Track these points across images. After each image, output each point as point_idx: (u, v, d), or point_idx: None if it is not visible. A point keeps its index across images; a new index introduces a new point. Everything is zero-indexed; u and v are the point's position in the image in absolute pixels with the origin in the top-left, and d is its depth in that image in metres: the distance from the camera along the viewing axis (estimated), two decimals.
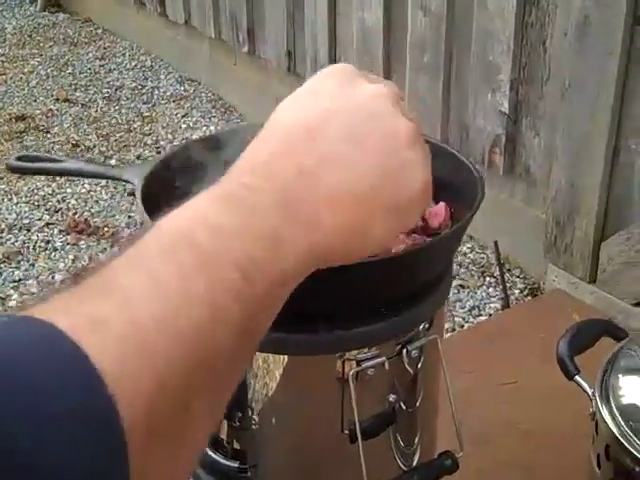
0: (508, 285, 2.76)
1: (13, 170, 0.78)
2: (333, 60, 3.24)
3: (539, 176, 2.66)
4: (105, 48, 4.49)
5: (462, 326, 2.57)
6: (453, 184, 0.84)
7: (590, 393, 0.88)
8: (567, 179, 2.48)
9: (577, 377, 0.92)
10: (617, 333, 0.96)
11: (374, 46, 3.02)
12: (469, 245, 2.93)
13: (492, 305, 2.71)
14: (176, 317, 0.42)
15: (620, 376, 0.87)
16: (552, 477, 1.05)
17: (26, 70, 4.30)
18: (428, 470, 0.79)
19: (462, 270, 2.83)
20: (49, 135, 3.66)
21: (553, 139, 2.52)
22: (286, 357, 0.77)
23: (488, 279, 2.81)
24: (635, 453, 0.80)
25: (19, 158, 0.81)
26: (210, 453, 0.84)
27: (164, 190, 0.78)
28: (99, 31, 4.69)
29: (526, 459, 1.07)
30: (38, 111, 3.87)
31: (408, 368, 0.79)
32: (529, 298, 2.72)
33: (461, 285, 2.77)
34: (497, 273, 2.77)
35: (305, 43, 3.30)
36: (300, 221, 0.50)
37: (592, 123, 2.35)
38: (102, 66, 4.29)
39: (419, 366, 0.81)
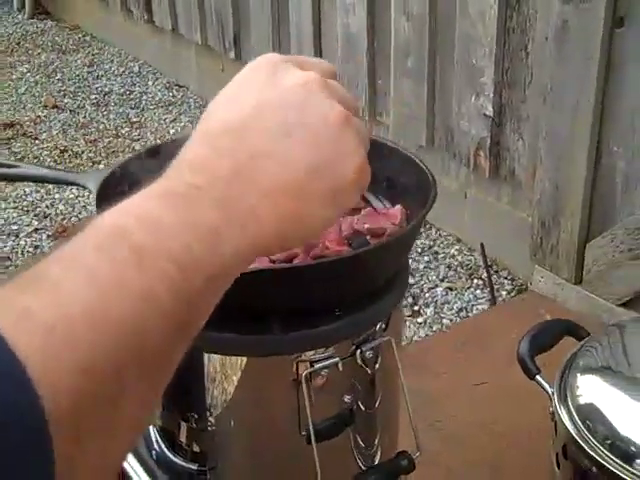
0: (496, 287, 2.77)
1: None
2: None
3: (524, 179, 2.66)
4: (93, 55, 4.49)
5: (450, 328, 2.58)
6: (408, 185, 0.84)
7: (550, 393, 0.89)
8: (551, 182, 2.48)
9: (538, 377, 0.92)
10: (579, 333, 0.96)
11: (358, 51, 3.03)
12: (457, 247, 2.93)
13: (480, 307, 2.71)
14: (107, 308, 0.43)
15: (579, 375, 0.88)
16: (518, 477, 1.05)
17: (14, 77, 4.30)
18: (384, 470, 0.80)
19: (450, 272, 2.84)
20: (37, 141, 3.66)
21: (537, 142, 2.52)
22: (242, 358, 0.77)
23: (476, 281, 2.81)
24: (592, 453, 0.81)
25: None
26: (169, 455, 0.85)
27: (119, 195, 0.79)
28: (87, 38, 4.70)
29: (495, 459, 1.08)
30: (27, 118, 3.87)
31: (363, 369, 0.79)
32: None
33: (449, 287, 2.78)
34: (484, 275, 2.78)
35: (290, 48, 3.31)
36: (237, 217, 0.51)
37: (574, 126, 2.36)
38: (90, 72, 4.29)
39: (375, 367, 0.81)
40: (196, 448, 0.83)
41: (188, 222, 0.49)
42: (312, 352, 0.75)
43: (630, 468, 0.79)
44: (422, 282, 2.78)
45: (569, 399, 0.86)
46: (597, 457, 0.81)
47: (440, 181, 3.06)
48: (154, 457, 0.86)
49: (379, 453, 0.87)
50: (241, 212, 0.52)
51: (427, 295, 2.72)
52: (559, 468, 0.88)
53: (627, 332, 0.92)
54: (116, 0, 4.26)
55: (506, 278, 2.78)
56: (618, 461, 0.80)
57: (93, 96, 4.05)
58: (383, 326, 0.80)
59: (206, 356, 0.78)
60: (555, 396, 0.87)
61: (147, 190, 0.51)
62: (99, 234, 0.47)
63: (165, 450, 0.85)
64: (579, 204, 2.41)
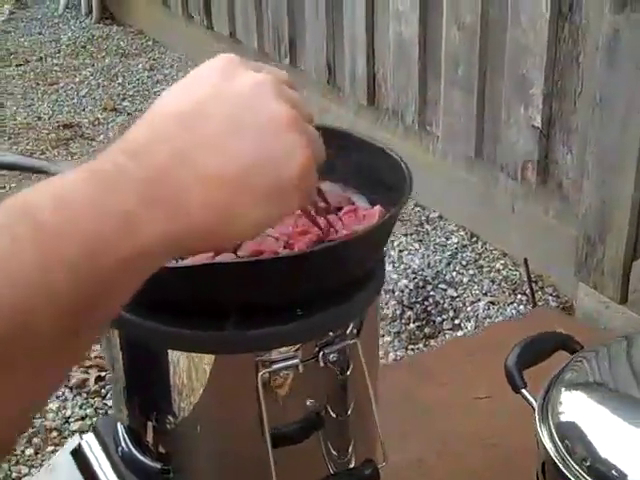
0: (540, 303, 2.70)
1: None
2: (371, 73, 3.23)
3: (572, 192, 2.60)
4: (154, 59, 4.55)
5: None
6: (384, 181, 0.82)
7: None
8: (598, 196, 2.42)
9: (523, 391, 0.89)
10: (573, 347, 0.92)
11: (410, 59, 3.00)
12: (502, 261, 2.88)
13: None
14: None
15: (563, 390, 0.84)
16: None
17: (77, 80, 4.38)
18: (347, 477, 0.77)
19: (494, 287, 2.78)
20: (94, 143, 3.73)
21: (586, 155, 2.46)
22: (205, 357, 0.75)
23: (519, 296, 2.75)
24: (567, 474, 0.77)
25: None
26: (135, 453, 0.83)
27: None
28: (150, 43, 4.76)
29: (487, 474, 1.04)
30: (86, 120, 3.94)
31: (329, 372, 0.77)
32: (575, 317, 2.65)
33: (492, 302, 2.72)
34: (528, 290, 2.71)
35: (344, 56, 3.30)
36: (163, 202, 0.50)
37: (622, 139, 2.29)
38: (150, 77, 4.35)
39: (345, 371, 0.79)
40: (161, 447, 0.82)
41: (104, 203, 0.48)
42: (272, 352, 0.73)
43: None
44: (465, 295, 2.72)
45: (550, 415, 0.82)
46: (573, 478, 0.76)
47: (488, 193, 3.02)
48: (120, 454, 0.85)
49: (353, 460, 0.84)
50: (169, 198, 0.51)
51: (469, 309, 2.67)
52: None
53: (618, 348, 0.88)
54: (178, 6, 4.31)
55: (551, 295, 2.71)
56: None
57: (151, 100, 4.09)
58: (354, 328, 0.78)
59: (170, 354, 0.76)
60: (536, 411, 0.83)
61: (78, 169, 0.50)
62: (9, 208, 0.46)
63: (132, 448, 0.84)
64: (626, 220, 2.33)
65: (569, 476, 0.77)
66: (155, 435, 0.82)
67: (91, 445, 0.86)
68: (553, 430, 0.80)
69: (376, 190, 0.84)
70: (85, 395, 2.34)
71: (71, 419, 2.26)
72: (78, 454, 0.85)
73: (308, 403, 0.77)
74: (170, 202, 0.51)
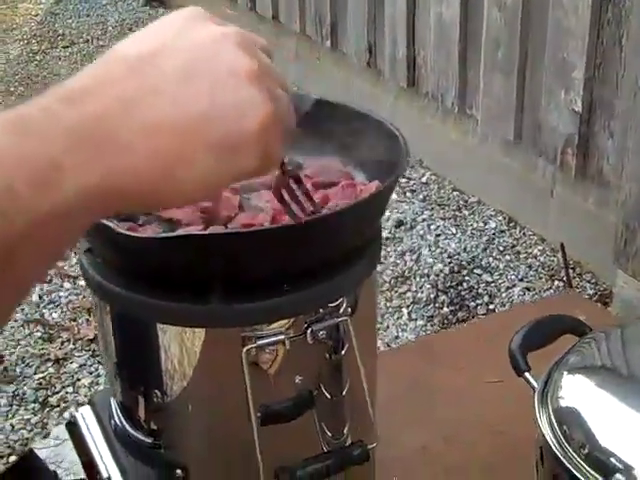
0: (577, 290, 2.65)
1: None
2: (412, 55, 3.19)
3: (612, 178, 2.54)
4: None
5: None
6: (383, 156, 0.80)
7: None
8: (638, 182, 2.36)
9: (527, 374, 0.86)
10: (582, 330, 0.89)
11: (451, 42, 2.96)
12: (540, 247, 2.83)
13: None
14: None
15: (565, 374, 0.81)
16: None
17: None
18: (334, 457, 0.76)
19: (530, 272, 2.74)
20: None
21: (627, 140, 2.40)
22: (193, 333, 0.74)
23: (556, 283, 2.70)
24: (564, 461, 0.74)
25: None
26: (127, 428, 0.83)
27: None
28: None
29: (492, 460, 1.02)
30: None
31: (318, 350, 0.75)
32: (599, 305, 2.60)
33: (527, 288, 2.68)
34: (565, 277, 2.67)
35: (385, 39, 3.27)
36: (97, 148, 0.46)
37: None
38: None
39: (338, 349, 0.77)
40: (151, 422, 0.81)
41: (21, 151, 0.43)
42: (259, 327, 0.72)
43: None
44: (500, 281, 2.69)
45: (550, 400, 0.79)
46: (570, 466, 0.74)
47: (527, 178, 2.98)
48: (113, 428, 0.84)
49: (349, 440, 0.82)
50: (105, 146, 0.46)
51: (504, 295, 2.63)
52: (537, 473, 0.81)
53: (628, 332, 0.84)
54: None
55: (589, 282, 2.66)
56: (593, 473, 0.73)
57: None
58: (347, 307, 0.76)
59: (158, 328, 0.75)
60: (537, 395, 0.80)
61: (5, 112, 0.45)
62: None
63: (124, 422, 0.83)
64: None
65: (566, 463, 0.74)
66: (145, 410, 0.81)
67: (86, 418, 0.85)
68: (552, 415, 0.78)
69: (375, 166, 0.82)
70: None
71: None
72: (73, 426, 0.85)
73: (297, 381, 0.76)
74: (105, 152, 0.46)
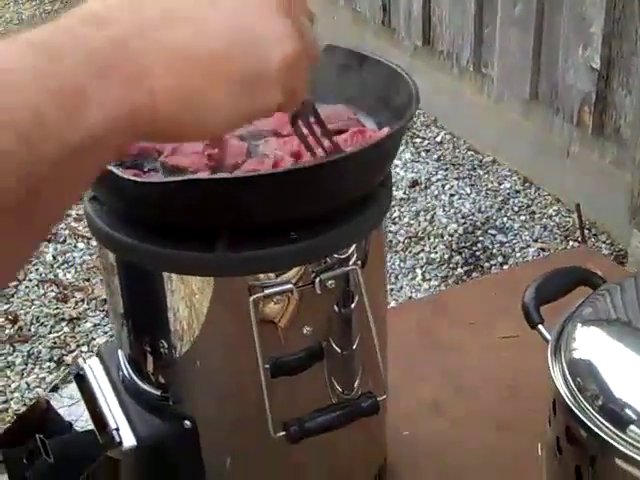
0: (592, 250, 2.63)
1: None
2: (427, 14, 3.15)
3: (630, 137, 2.51)
4: None
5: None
6: (394, 103, 0.78)
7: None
8: None
9: (540, 326, 0.84)
10: (597, 282, 0.87)
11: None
12: (555, 207, 2.80)
13: None
14: None
15: (579, 326, 0.79)
16: (522, 434, 0.98)
17: None
18: (344, 408, 0.75)
19: (545, 233, 2.71)
20: None
21: None
22: (200, 282, 0.73)
23: (572, 243, 2.68)
24: (577, 413, 0.73)
25: None
26: (136, 380, 0.82)
27: None
28: None
29: (504, 414, 1.01)
30: None
31: (326, 300, 0.74)
32: (612, 260, 2.58)
33: (542, 248, 2.66)
34: (580, 237, 2.64)
35: None
36: (122, 76, 0.44)
37: None
38: None
39: (345, 300, 0.76)
40: (159, 374, 0.80)
41: (45, 75, 0.41)
42: (265, 276, 0.71)
43: (622, 434, 0.70)
44: (515, 241, 2.66)
45: (563, 351, 0.78)
46: (583, 418, 0.72)
47: (543, 137, 2.93)
48: (121, 379, 0.84)
49: (359, 393, 0.81)
50: (130, 70, 0.44)
51: (518, 255, 2.61)
52: (550, 426, 0.80)
53: None
54: None
55: (604, 242, 2.63)
56: (608, 425, 0.71)
57: None
58: (356, 257, 0.74)
59: (164, 277, 0.74)
60: (550, 347, 0.79)
61: (18, 36, 0.43)
62: None
63: (132, 374, 0.83)
64: None
65: (579, 415, 0.73)
66: (153, 362, 0.80)
67: (94, 370, 0.85)
68: (565, 367, 0.76)
69: (386, 113, 0.80)
70: None
71: None
72: (81, 378, 0.85)
73: (306, 332, 0.74)
74: (129, 78, 0.44)
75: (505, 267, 2.57)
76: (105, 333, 2.36)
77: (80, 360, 0.87)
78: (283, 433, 0.73)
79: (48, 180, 0.41)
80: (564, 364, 0.77)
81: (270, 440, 0.74)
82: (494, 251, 2.63)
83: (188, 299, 0.74)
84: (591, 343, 0.79)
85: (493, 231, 2.71)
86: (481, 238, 2.68)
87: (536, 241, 2.67)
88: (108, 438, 0.78)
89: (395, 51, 3.32)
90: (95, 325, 2.39)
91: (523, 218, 2.77)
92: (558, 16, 2.58)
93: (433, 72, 3.18)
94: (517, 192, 2.88)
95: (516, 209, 2.81)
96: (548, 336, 0.83)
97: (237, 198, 0.66)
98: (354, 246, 0.74)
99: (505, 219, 2.76)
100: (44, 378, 2.20)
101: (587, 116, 2.58)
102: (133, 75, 0.44)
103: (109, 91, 0.43)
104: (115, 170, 0.68)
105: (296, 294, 0.71)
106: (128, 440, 0.77)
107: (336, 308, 0.76)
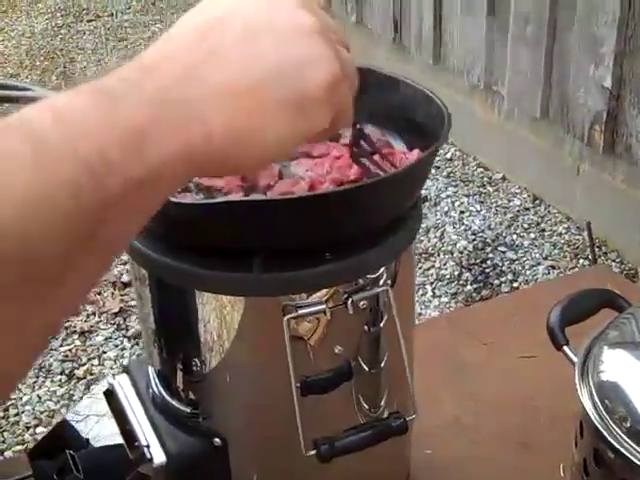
0: None
1: None
2: (438, 31, 3.17)
3: None
4: None
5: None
6: (425, 127, 0.79)
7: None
8: None
9: (565, 348, 0.85)
10: (620, 304, 0.88)
11: (478, 17, 2.93)
12: (565, 225, 2.81)
13: None
14: None
15: (606, 349, 0.80)
16: (543, 455, 0.98)
17: (146, 36, 4.40)
18: (373, 428, 0.75)
19: (555, 251, 2.72)
20: None
21: None
22: (234, 302, 0.74)
23: (582, 261, 2.69)
24: (605, 434, 0.73)
25: None
26: (165, 396, 0.83)
27: None
28: None
29: (524, 435, 1.02)
30: None
31: (358, 320, 0.75)
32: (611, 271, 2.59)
33: (552, 266, 2.67)
34: (591, 255, 2.65)
35: (411, 14, 3.24)
36: (176, 117, 0.47)
37: None
38: None
39: (376, 320, 0.76)
40: (189, 392, 0.81)
41: (110, 119, 0.44)
42: (299, 297, 0.71)
43: None
44: (525, 259, 2.67)
45: (590, 373, 0.78)
46: (611, 439, 0.73)
47: (553, 155, 2.94)
48: (151, 396, 0.84)
49: (385, 412, 0.82)
50: (183, 111, 0.47)
51: (528, 272, 2.62)
52: (576, 447, 0.81)
53: None
54: None
55: (614, 261, 2.64)
56: (635, 446, 0.72)
57: None
58: (387, 278, 0.75)
59: (197, 296, 0.75)
60: (577, 369, 0.80)
61: (82, 86, 0.46)
62: (6, 126, 0.43)
63: (162, 391, 0.83)
64: None
65: (607, 436, 0.74)
66: (184, 379, 0.81)
67: (123, 386, 0.85)
68: (593, 389, 0.77)
69: (416, 136, 0.81)
70: (142, 345, 2.37)
71: None
72: (110, 395, 0.85)
73: (337, 351, 0.75)
74: (183, 119, 0.47)
75: (515, 284, 2.57)
76: (116, 347, 2.37)
77: (109, 377, 0.88)
78: (314, 452, 0.74)
79: (111, 213, 0.44)
80: (592, 386, 0.77)
81: (299, 459, 0.74)
82: (504, 268, 2.64)
83: (222, 318, 0.75)
84: (618, 366, 0.79)
85: (503, 248, 2.72)
86: (491, 255, 2.69)
87: (546, 259, 2.68)
88: (139, 454, 0.78)
89: (405, 69, 3.34)
90: (106, 338, 2.40)
91: (533, 236, 2.78)
92: (569, 35, 2.60)
93: (443, 89, 3.19)
94: (527, 209, 2.89)
95: (526, 226, 2.82)
96: (573, 357, 0.83)
97: (274, 220, 0.67)
98: (385, 267, 0.75)
99: (515, 236, 2.77)
100: (55, 391, 2.21)
101: (598, 135, 2.59)
102: (186, 115, 0.47)
103: (166, 133, 0.46)
104: None
105: (328, 314, 0.72)
106: (158, 457, 0.78)
107: (366, 328, 0.77)
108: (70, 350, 2.35)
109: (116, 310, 2.49)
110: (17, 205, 0.41)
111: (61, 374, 2.27)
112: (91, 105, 0.44)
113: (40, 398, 2.19)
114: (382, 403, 0.82)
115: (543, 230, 2.80)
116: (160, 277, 0.77)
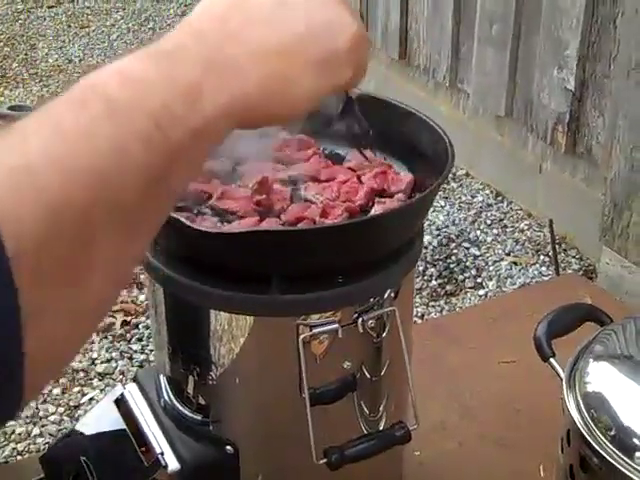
0: (563, 265, 2.72)
1: (5, 118, 0.81)
2: (404, 28, 3.22)
3: (601, 156, 2.60)
4: (186, 5, 4.54)
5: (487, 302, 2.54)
6: (423, 151, 0.84)
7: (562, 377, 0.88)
8: (627, 161, 2.41)
9: (552, 360, 0.91)
10: (601, 318, 0.94)
11: (444, 16, 2.98)
12: (527, 222, 2.89)
13: None
14: (76, 157, 0.44)
15: (591, 361, 0.86)
16: (527, 458, 1.04)
17: (108, 23, 4.38)
18: (378, 438, 0.80)
19: (517, 247, 2.79)
20: None
21: (617, 119, 2.45)
22: (247, 318, 0.78)
23: (542, 257, 2.76)
24: (591, 442, 0.79)
25: (11, 108, 0.84)
26: (176, 404, 0.87)
27: None
28: None
29: (507, 437, 1.07)
30: None
31: (366, 338, 0.79)
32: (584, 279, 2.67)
33: (514, 262, 2.74)
34: (552, 252, 2.73)
35: (377, 10, 3.28)
36: (222, 74, 0.53)
37: None
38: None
39: (381, 337, 0.81)
40: (201, 400, 0.85)
41: (169, 78, 0.50)
42: (313, 317, 0.76)
43: (631, 462, 0.77)
44: (487, 255, 2.74)
45: (577, 385, 0.84)
46: (597, 446, 0.79)
47: (516, 153, 3.00)
48: (162, 405, 0.88)
49: (384, 421, 0.87)
50: (227, 68, 0.54)
51: (491, 268, 2.68)
52: (562, 453, 0.87)
53: None
54: None
55: (574, 257, 2.72)
56: (619, 453, 0.78)
57: None
58: (391, 296, 0.80)
59: (213, 314, 0.79)
60: (564, 381, 0.86)
61: (137, 52, 0.52)
62: (76, 88, 0.48)
63: (173, 399, 0.87)
64: None
65: (593, 444, 0.80)
66: (196, 389, 0.85)
67: (133, 395, 0.89)
68: (580, 399, 0.83)
69: (417, 163, 0.86)
70: (111, 338, 2.38)
71: (97, 361, 2.31)
72: (121, 403, 0.89)
73: (345, 365, 0.80)
74: (230, 75, 0.53)
75: (478, 280, 2.64)
76: (110, 360, 2.34)
77: (119, 385, 0.92)
78: (324, 460, 0.78)
79: (176, 159, 0.50)
80: (579, 397, 0.83)
81: (308, 467, 0.79)
82: (468, 264, 2.71)
83: (234, 333, 0.79)
84: (603, 378, 0.85)
85: (467, 244, 2.78)
86: (455, 251, 2.76)
87: (508, 254, 2.75)
88: (154, 461, 0.82)
89: (371, 63, 3.38)
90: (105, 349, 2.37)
91: (496, 232, 2.85)
92: (534, 37, 2.66)
93: (408, 86, 3.25)
94: (490, 206, 2.96)
95: (489, 222, 2.89)
96: (559, 369, 0.89)
97: (292, 247, 0.71)
98: (392, 289, 0.80)
99: (478, 232, 2.84)
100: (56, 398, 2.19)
101: (560, 135, 2.67)
102: (229, 71, 0.54)
103: (216, 87, 0.53)
104: (174, 215, 0.73)
105: (340, 333, 0.77)
106: (172, 463, 0.82)
107: (373, 344, 0.82)
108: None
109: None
110: (99, 158, 0.45)
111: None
112: (152, 66, 0.51)
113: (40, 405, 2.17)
114: (386, 414, 0.87)
115: (505, 226, 2.87)
116: (177, 295, 0.81)
